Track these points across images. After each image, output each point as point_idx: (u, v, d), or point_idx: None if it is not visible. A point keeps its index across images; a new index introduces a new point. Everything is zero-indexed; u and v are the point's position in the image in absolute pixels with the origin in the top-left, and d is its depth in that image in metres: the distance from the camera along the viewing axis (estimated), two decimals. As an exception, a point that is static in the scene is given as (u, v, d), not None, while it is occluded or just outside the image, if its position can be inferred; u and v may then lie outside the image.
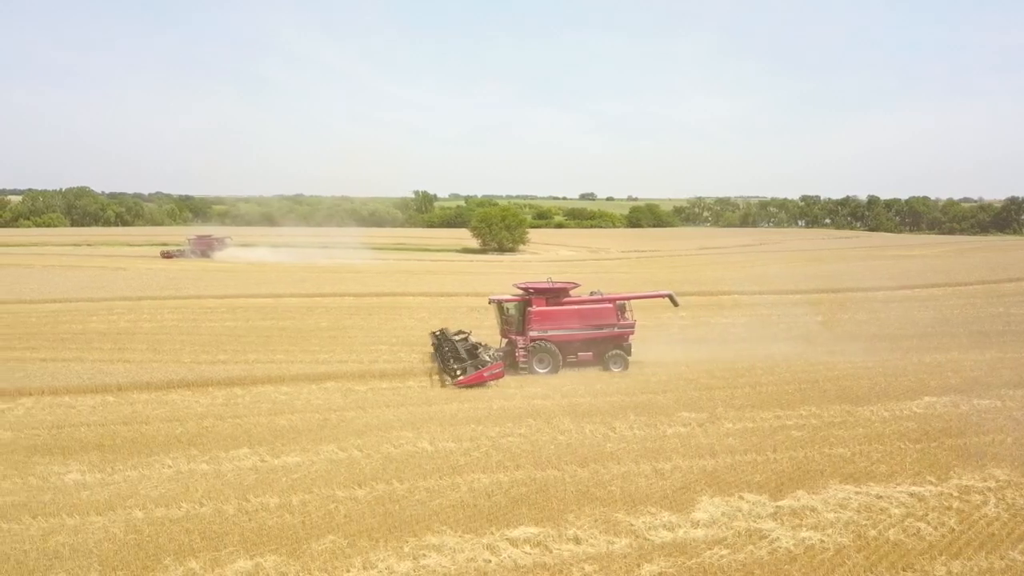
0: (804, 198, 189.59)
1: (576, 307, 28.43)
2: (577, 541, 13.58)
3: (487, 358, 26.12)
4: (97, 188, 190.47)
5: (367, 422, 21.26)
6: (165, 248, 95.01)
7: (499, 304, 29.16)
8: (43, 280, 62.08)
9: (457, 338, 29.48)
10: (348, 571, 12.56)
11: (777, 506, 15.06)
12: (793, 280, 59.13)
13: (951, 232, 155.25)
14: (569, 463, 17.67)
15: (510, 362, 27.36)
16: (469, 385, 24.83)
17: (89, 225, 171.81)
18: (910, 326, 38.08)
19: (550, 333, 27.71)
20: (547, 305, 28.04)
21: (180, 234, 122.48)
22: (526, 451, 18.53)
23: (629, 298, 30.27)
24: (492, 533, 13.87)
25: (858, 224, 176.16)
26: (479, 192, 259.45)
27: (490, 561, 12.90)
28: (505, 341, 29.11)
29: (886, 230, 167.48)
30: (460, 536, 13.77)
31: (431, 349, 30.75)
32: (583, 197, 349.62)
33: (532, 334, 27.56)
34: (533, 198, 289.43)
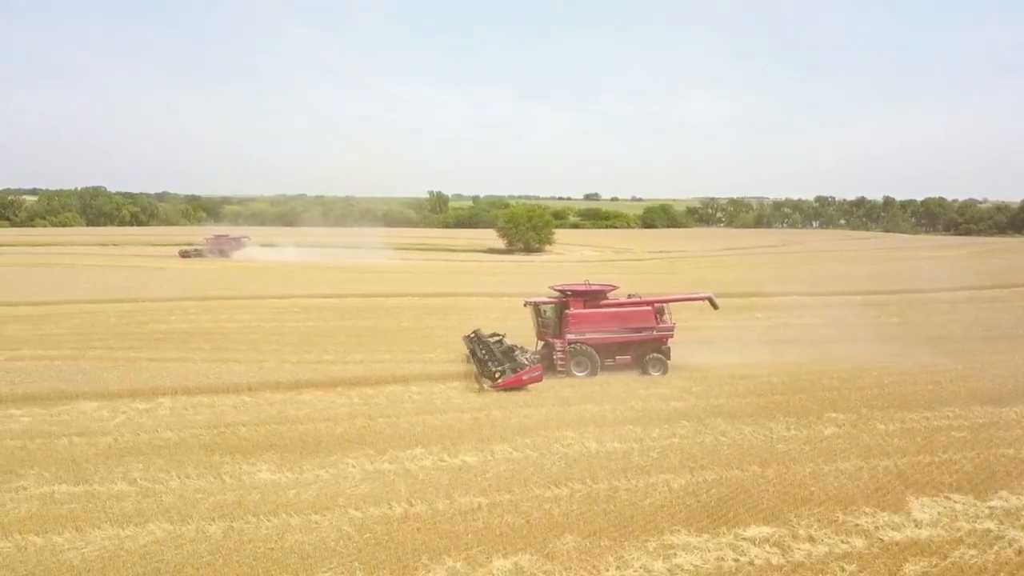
0: (818, 199, 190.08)
1: (614, 310, 28.11)
2: (812, 540, 13.70)
3: (524, 360, 25.90)
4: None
5: (520, 422, 21.34)
6: (183, 248, 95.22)
7: (536, 306, 28.81)
8: (94, 280, 62.27)
9: (492, 340, 29.26)
10: (606, 570, 12.68)
11: (990, 507, 15.19)
12: (847, 281, 59.40)
13: (968, 233, 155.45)
14: (749, 463, 17.79)
15: (547, 365, 26.97)
16: (508, 388, 24.50)
17: (104, 225, 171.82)
18: (992, 327, 38.33)
19: (587, 336, 27.43)
20: (585, 308, 27.72)
21: (197, 234, 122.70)
22: (700, 452, 18.65)
23: (668, 300, 29.85)
24: (726, 532, 14.00)
25: (873, 225, 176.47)
26: (479, 192, 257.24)
27: (739, 560, 13.03)
28: (541, 344, 28.91)
29: (902, 231, 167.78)
30: (697, 535, 13.88)
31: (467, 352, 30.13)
32: (587, 197, 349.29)
33: (569, 337, 27.29)
34: (536, 198, 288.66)
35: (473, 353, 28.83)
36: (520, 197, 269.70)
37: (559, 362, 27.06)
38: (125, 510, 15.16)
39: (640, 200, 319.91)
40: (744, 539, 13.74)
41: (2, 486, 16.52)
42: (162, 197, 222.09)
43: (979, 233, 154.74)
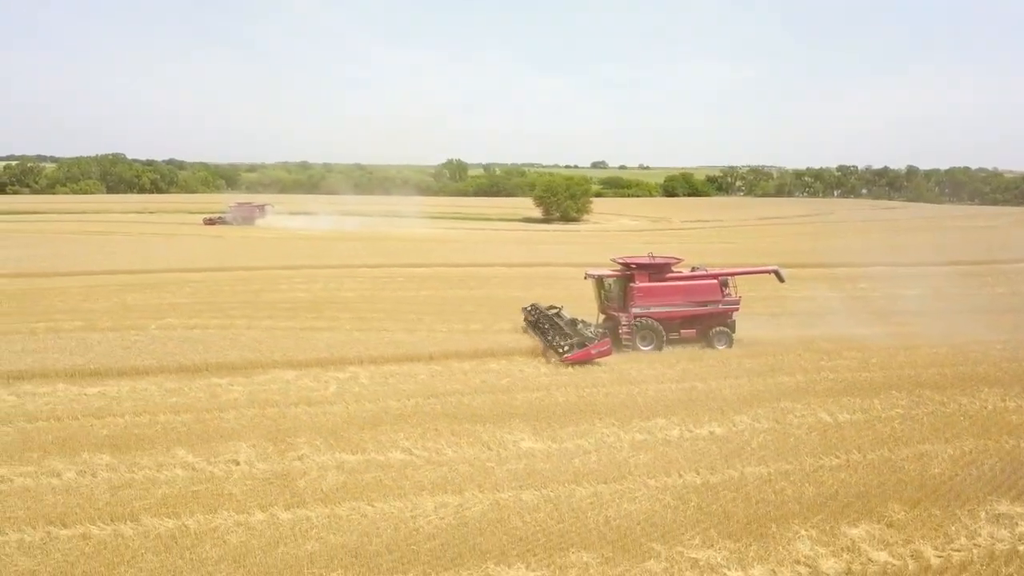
0: (840, 167, 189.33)
1: (680, 283, 27.79)
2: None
3: (589, 334, 25.56)
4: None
5: (735, 393, 21.55)
6: (208, 215, 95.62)
7: (599, 279, 28.38)
8: (165, 248, 62.17)
9: (551, 312, 29.07)
10: (956, 538, 12.92)
11: None
12: (920, 251, 59.48)
13: (995, 203, 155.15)
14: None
15: (612, 339, 26.14)
16: (577, 362, 24.23)
17: (123, 192, 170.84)
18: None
19: (653, 310, 27.07)
20: (650, 281, 27.40)
21: (219, 201, 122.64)
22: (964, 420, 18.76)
23: (733, 274, 29.43)
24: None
25: (896, 195, 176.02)
26: (480, 160, 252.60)
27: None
28: (603, 317, 28.56)
29: (926, 200, 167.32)
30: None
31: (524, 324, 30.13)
32: (595, 166, 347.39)
33: (635, 311, 26.88)
34: (540, 166, 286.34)
35: (536, 326, 28.64)
36: (525, 165, 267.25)
37: (625, 336, 26.66)
38: (430, 478, 15.40)
39: (647, 168, 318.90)
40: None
41: (285, 454, 16.71)
42: (178, 165, 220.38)
43: (1005, 203, 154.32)
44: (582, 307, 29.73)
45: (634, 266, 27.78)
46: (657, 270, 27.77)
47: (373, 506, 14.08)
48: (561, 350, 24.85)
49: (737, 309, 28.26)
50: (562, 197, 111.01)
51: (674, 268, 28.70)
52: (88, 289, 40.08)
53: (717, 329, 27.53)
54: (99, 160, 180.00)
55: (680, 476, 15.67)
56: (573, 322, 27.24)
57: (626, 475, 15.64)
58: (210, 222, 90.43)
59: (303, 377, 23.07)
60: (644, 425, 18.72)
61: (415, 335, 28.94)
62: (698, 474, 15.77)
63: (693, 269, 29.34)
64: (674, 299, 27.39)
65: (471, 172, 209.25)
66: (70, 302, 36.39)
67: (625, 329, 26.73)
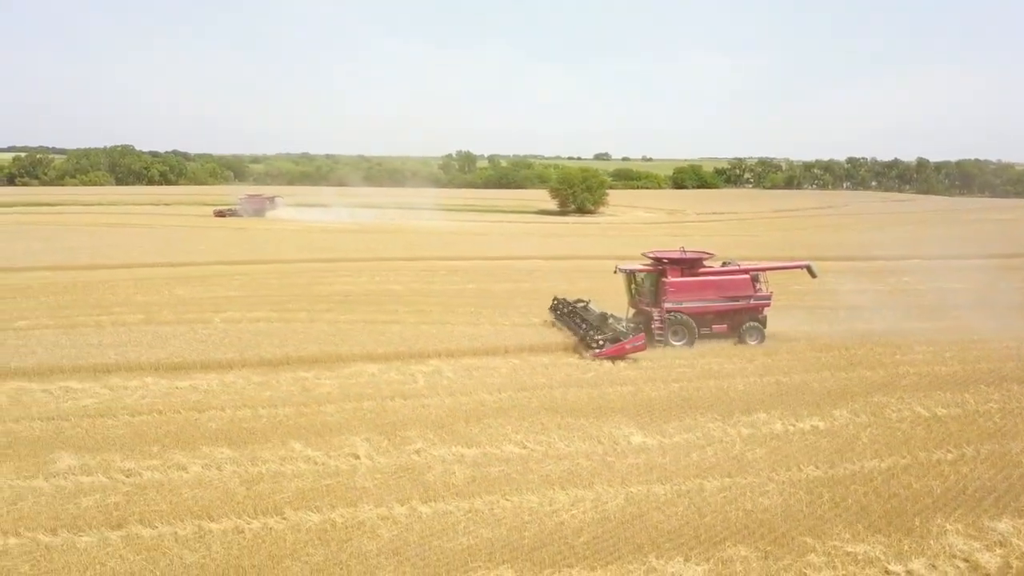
0: (850, 160, 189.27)
1: (712, 278, 27.66)
2: None
3: (621, 328, 25.56)
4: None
5: (823, 386, 21.65)
6: (218, 207, 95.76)
7: (630, 274, 28.29)
8: (197, 242, 62.13)
9: (578, 306, 29.06)
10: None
11: None
12: (951, 244, 59.34)
13: (1006, 196, 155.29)
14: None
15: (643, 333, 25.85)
16: (610, 357, 24.05)
17: (132, 184, 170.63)
18: None
19: (685, 305, 26.87)
20: (683, 276, 27.30)
21: (229, 193, 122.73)
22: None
23: (766, 269, 29.28)
24: None
25: (907, 187, 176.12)
26: (482, 151, 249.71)
27: None
28: (633, 311, 28.45)
29: (936, 193, 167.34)
30: None
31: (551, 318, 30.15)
32: (598, 157, 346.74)
33: (667, 306, 26.72)
34: (543, 158, 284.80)
35: (563, 319, 28.54)
36: (529, 157, 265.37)
37: (657, 331, 26.43)
38: (556, 472, 15.50)
39: (650, 160, 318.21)
40: None
41: (401, 447, 16.79)
42: (183, 155, 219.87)
43: (1017, 195, 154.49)
44: (606, 301, 29.61)
45: (666, 261, 27.67)
46: (689, 265, 27.68)
47: (509, 500, 14.18)
48: (595, 344, 24.77)
49: (769, 304, 28.02)
50: (579, 189, 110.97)
51: (705, 263, 28.61)
52: (136, 282, 40.07)
53: (749, 324, 27.35)
54: (108, 152, 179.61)
55: (800, 470, 15.77)
56: (604, 316, 27.21)
57: (747, 469, 15.75)
58: (220, 214, 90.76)
59: (388, 371, 23.12)
60: (747, 419, 18.80)
61: (480, 328, 28.94)
62: (817, 468, 15.88)
63: (724, 264, 29.19)
64: (706, 294, 27.25)
65: (480, 164, 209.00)
66: (121, 295, 36.41)
67: (658, 324, 26.54)
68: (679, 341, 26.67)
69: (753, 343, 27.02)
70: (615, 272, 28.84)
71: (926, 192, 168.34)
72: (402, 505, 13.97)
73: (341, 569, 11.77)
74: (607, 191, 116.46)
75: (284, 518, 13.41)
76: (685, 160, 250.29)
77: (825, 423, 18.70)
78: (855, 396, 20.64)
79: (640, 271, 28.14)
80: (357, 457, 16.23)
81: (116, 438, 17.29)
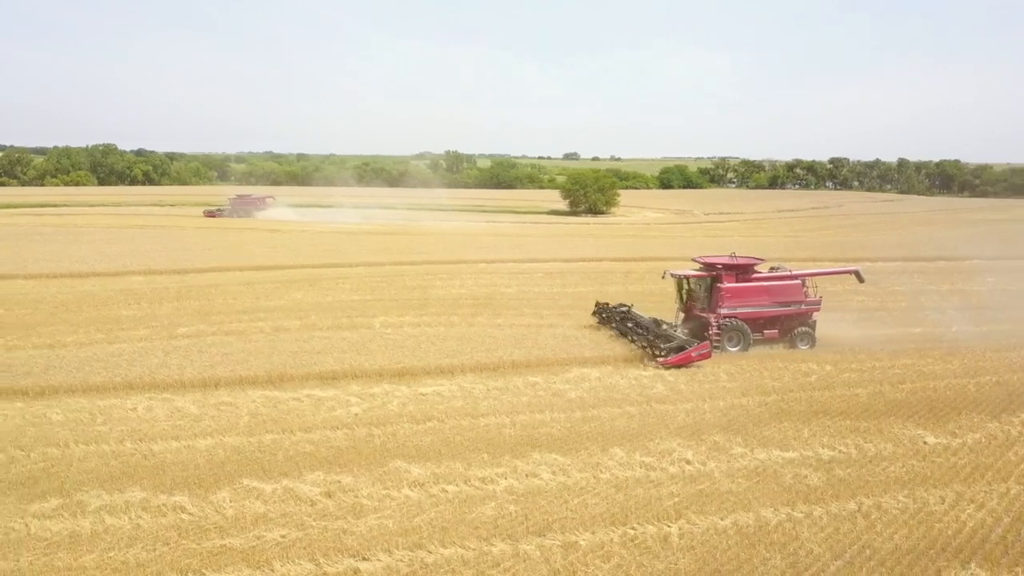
0: (832, 160, 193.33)
1: (766, 284, 27.91)
2: None
3: (682, 336, 25.68)
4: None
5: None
6: (208, 208, 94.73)
7: (684, 279, 28.47)
8: (254, 245, 61.20)
9: (621, 311, 29.49)
10: None
11: None
12: (989, 244, 60.92)
13: (985, 195, 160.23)
14: None
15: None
16: (675, 366, 23.93)
17: (115, 184, 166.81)
18: None
19: (739, 310, 27.09)
20: (737, 282, 27.47)
21: (217, 193, 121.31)
22: None
23: (815, 275, 29.58)
24: None
25: (888, 187, 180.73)
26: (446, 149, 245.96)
27: None
28: (683, 316, 28.60)
29: (917, 193, 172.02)
30: None
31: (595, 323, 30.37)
32: (567, 157, 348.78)
33: (723, 311, 26.90)
34: (509, 156, 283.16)
35: (616, 324, 28.76)
36: (494, 156, 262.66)
37: (714, 337, 26.39)
38: (895, 475, 15.93)
39: (618, 159, 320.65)
40: None
41: (726, 451, 17.10)
42: (169, 155, 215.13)
43: (995, 195, 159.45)
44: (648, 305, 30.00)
45: (720, 266, 27.80)
46: (743, 270, 27.86)
47: (881, 502, 14.57)
48: (659, 353, 24.64)
49: (818, 309, 28.26)
50: (591, 190, 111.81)
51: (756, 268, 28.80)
52: (243, 287, 39.44)
53: (800, 329, 27.72)
54: (90, 151, 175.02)
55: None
56: (657, 322, 27.30)
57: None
58: (210, 215, 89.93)
59: (611, 375, 23.31)
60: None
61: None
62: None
63: (771, 269, 29.33)
64: (760, 300, 27.51)
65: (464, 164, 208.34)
66: (241, 301, 35.79)
67: (715, 330, 26.65)
68: (734, 347, 26.79)
69: (804, 348, 27.39)
70: (663, 277, 28.90)
71: (907, 192, 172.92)
72: (790, 508, 14.33)
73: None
74: (618, 192, 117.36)
75: (696, 521, 13.67)
76: (652, 160, 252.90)
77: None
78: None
79: (693, 276, 28.26)
80: (688, 462, 16.52)
81: (466, 442, 17.56)
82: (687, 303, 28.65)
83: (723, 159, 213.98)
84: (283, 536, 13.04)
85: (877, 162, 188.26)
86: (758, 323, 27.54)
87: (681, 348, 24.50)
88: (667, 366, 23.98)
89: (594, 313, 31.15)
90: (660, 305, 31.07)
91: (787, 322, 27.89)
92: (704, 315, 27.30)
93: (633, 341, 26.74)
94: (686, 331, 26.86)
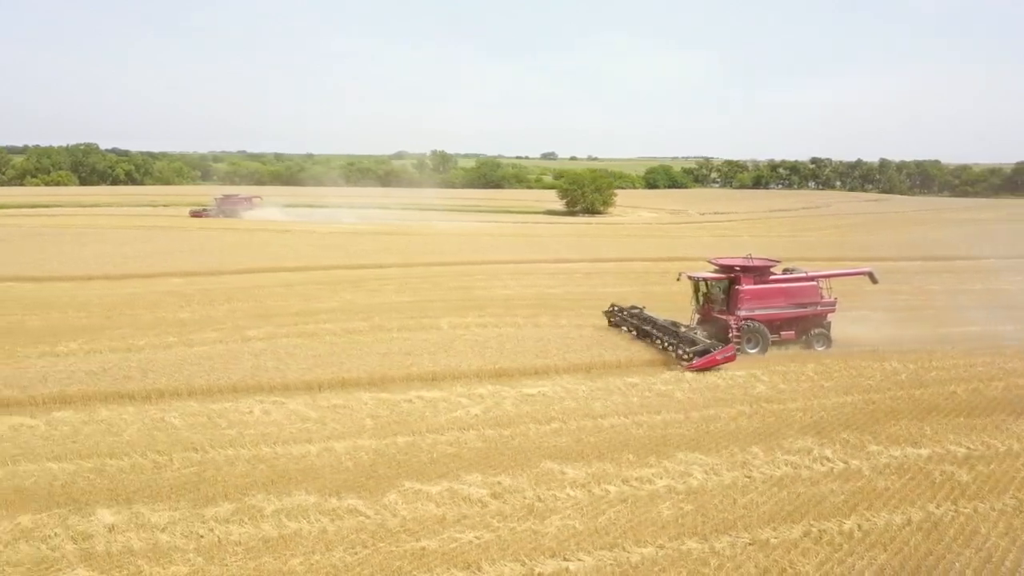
0: (814, 160, 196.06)
1: (783, 285, 28.18)
2: None
3: (704, 339, 25.52)
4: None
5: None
6: (194, 208, 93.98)
7: (702, 281, 28.59)
8: (274, 246, 60.73)
9: (634, 312, 29.42)
10: None
11: None
12: (997, 244, 62.30)
13: (965, 195, 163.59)
14: None
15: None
16: (700, 370, 23.56)
17: (97, 183, 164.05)
18: None
19: (758, 312, 27.33)
20: (755, 283, 27.71)
21: (201, 193, 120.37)
22: None
23: (830, 276, 29.74)
24: None
25: (870, 187, 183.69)
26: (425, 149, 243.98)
27: None
28: (698, 318, 28.85)
29: (899, 192, 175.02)
30: None
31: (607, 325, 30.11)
32: (544, 156, 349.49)
33: (741, 313, 27.12)
34: (485, 156, 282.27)
35: (633, 328, 28.49)
36: (471, 155, 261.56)
37: (734, 339, 26.34)
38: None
39: (596, 159, 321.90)
40: None
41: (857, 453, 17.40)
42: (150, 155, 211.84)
43: (976, 195, 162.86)
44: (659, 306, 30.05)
45: (738, 268, 27.91)
46: (760, 272, 28.07)
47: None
48: (685, 356, 24.31)
49: (833, 310, 28.60)
50: (588, 190, 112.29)
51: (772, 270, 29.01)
52: (285, 289, 39.22)
53: (816, 331, 28.11)
54: (71, 150, 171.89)
55: None
56: (674, 324, 27.11)
57: None
58: (196, 215, 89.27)
59: (708, 375, 23.30)
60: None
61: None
62: None
63: (785, 271, 29.47)
64: (777, 301, 27.80)
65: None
66: (291, 303, 35.66)
67: (735, 332, 26.72)
68: (753, 348, 26.95)
69: (821, 348, 27.71)
70: (678, 278, 28.99)
71: (889, 192, 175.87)
72: (929, 509, 14.64)
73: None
74: (615, 192, 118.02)
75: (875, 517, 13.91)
76: (630, 160, 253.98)
77: None
78: None
79: (710, 279, 28.37)
80: (829, 459, 16.77)
81: (602, 443, 17.66)
82: (704, 305, 28.80)
83: (707, 159, 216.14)
84: (477, 537, 13.03)
85: (859, 162, 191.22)
86: (775, 324, 27.82)
87: (706, 351, 24.24)
88: (691, 370, 23.60)
89: (606, 313, 30.67)
90: (663, 305, 30.61)
91: (803, 323, 28.24)
92: (723, 317, 27.47)
93: (659, 341, 26.16)
94: (704, 333, 26.87)
